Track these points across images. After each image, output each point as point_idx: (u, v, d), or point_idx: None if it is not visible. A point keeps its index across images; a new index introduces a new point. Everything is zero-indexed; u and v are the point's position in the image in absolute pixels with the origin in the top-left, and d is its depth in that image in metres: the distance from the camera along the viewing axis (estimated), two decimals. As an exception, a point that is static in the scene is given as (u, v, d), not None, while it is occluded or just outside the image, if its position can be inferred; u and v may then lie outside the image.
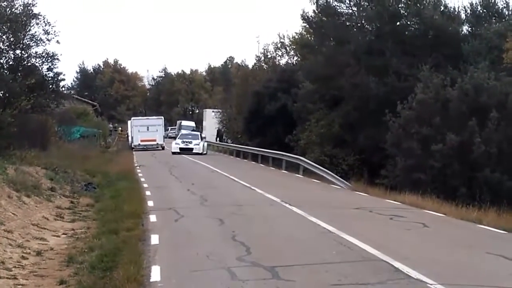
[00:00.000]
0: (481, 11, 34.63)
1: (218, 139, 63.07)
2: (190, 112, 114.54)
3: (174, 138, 78.43)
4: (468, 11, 34.73)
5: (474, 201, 20.39)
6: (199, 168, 33.10)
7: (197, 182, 23.90)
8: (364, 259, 10.16)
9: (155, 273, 9.09)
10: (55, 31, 27.43)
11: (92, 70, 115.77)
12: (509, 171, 23.75)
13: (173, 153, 45.32)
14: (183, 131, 53.11)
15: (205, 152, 46.33)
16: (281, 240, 12.02)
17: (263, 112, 42.52)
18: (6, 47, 27.25)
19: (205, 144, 48.62)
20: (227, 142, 57.87)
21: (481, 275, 9.19)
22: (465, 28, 35.01)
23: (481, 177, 23.47)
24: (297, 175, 29.44)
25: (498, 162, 24.02)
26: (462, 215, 16.24)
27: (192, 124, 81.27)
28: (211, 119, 66.49)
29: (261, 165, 36.20)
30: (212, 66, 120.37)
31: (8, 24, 26.57)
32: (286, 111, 39.93)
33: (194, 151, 45.25)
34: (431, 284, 8.37)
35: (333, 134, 34.23)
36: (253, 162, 38.22)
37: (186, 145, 46.28)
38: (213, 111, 69.03)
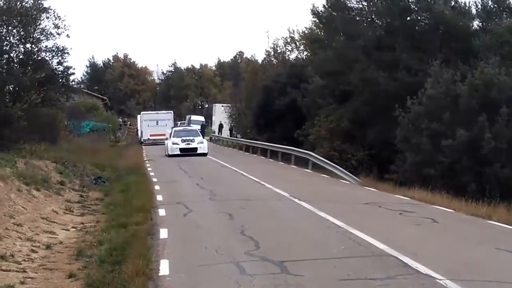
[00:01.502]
0: (491, 6, 34.42)
1: (220, 133, 63.49)
2: (200, 107, 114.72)
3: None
4: (479, 6, 34.49)
5: (484, 196, 20.29)
6: (208, 162, 33.12)
7: (206, 177, 23.92)
8: (372, 254, 10.14)
9: (164, 267, 9.11)
10: (65, 25, 27.58)
11: (102, 64, 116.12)
12: (519, 167, 23.64)
13: (170, 155, 36.43)
14: (176, 128, 42.80)
15: (207, 152, 37.63)
16: (289, 235, 12.01)
17: (273, 107, 42.50)
18: (16, 41, 27.38)
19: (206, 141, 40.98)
20: (236, 137, 57.90)
21: (490, 270, 9.16)
22: (476, 23, 34.83)
23: (490, 172, 23.39)
24: (306, 170, 29.41)
25: (508, 158, 23.91)
26: (472, 211, 16.17)
27: (202, 118, 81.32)
28: (221, 114, 66.54)
29: (270, 160, 36.17)
30: (221, 61, 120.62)
31: (19, 18, 26.68)
32: (296, 106, 39.89)
33: (199, 151, 36.85)
34: (440, 279, 8.35)
35: (343, 129, 34.18)
36: (262, 157, 38.21)
37: (188, 144, 37.19)
38: (222, 106, 69.08)
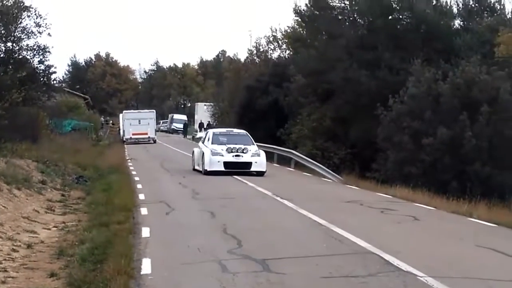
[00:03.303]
0: (473, 5, 34.71)
1: (200, 131, 63.56)
2: (182, 106, 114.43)
3: (166, 131, 79.03)
4: (460, 5, 34.80)
5: (465, 194, 20.43)
6: (191, 161, 33.06)
7: (189, 175, 23.89)
8: (354, 252, 10.18)
9: (146, 266, 9.08)
10: (46, 24, 27.43)
11: (83, 63, 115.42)
12: (500, 165, 23.86)
13: (207, 172, 24.24)
14: (215, 131, 28.31)
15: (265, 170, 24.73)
16: (272, 233, 12.02)
17: (255, 106, 42.47)
18: (-3, 40, 27.20)
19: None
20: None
21: (471, 267, 9.23)
22: (457, 22, 35.09)
23: (471, 171, 23.58)
24: (288, 168, 29.46)
25: (489, 156, 24.13)
26: (453, 209, 16.29)
27: (184, 117, 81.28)
28: (203, 113, 66.44)
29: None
30: (204, 60, 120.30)
31: (0, 17, 26.50)
32: (278, 105, 39.91)
33: (253, 168, 24.43)
34: (421, 277, 8.40)
35: (325, 128, 34.25)
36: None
37: (238, 156, 24.58)
38: (205, 105, 68.98)
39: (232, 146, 24.70)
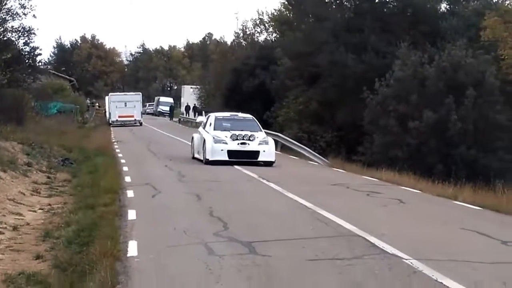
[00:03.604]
0: (459, -11, 34.73)
1: (186, 114, 63.67)
2: (168, 89, 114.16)
3: (152, 114, 78.78)
4: (447, -11, 34.81)
5: (450, 177, 20.59)
6: (177, 144, 33.02)
7: (175, 158, 23.86)
8: (340, 234, 10.22)
9: (132, 248, 9.08)
10: (31, 5, 27.29)
11: (69, 45, 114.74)
12: (485, 148, 24.02)
13: (209, 161, 21.66)
14: (218, 115, 24.70)
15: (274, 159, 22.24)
16: (258, 216, 12.05)
17: (242, 88, 42.46)
18: (-19, 22, 26.98)
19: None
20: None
21: (455, 250, 9.28)
22: (443, 6, 35.18)
23: (457, 154, 23.73)
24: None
25: (474, 139, 24.28)
26: (438, 192, 16.36)
27: (171, 100, 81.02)
28: (189, 96, 66.30)
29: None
30: (190, 42, 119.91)
31: (-17, -2, 26.28)
32: (265, 88, 39.92)
33: (261, 157, 21.96)
34: (406, 259, 8.44)
35: (311, 111, 34.30)
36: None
37: (244, 144, 22.02)
38: (191, 88, 68.83)
39: (237, 132, 22.08)
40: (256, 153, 21.84)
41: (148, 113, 77.13)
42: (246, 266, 8.06)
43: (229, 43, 66.68)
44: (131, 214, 11.88)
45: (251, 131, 22.38)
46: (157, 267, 8.11)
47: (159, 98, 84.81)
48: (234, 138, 21.90)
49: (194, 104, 63.42)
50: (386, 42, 31.13)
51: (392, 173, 20.26)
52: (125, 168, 20.33)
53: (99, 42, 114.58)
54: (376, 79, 27.16)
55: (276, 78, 38.57)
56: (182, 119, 62.72)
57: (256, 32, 56.67)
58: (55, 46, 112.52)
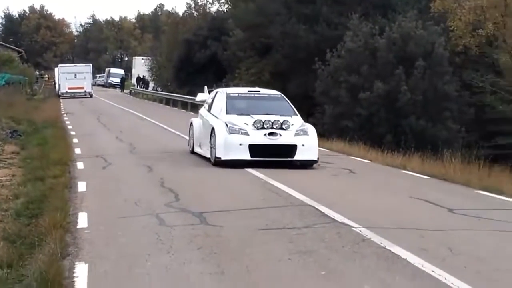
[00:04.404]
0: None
1: (138, 86, 63.32)
2: (119, 60, 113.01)
3: (103, 86, 77.91)
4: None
5: (400, 147, 20.86)
6: (128, 116, 32.77)
7: (126, 130, 23.69)
8: (291, 204, 10.30)
9: (82, 220, 9.01)
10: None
11: (17, 15, 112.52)
12: (434, 118, 24.38)
13: (222, 162, 14.59)
14: (231, 92, 16.99)
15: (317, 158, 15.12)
16: (209, 187, 12.06)
17: (193, 60, 42.25)
18: None
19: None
20: (156, 90, 57.37)
21: (404, 218, 9.44)
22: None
23: (406, 124, 24.04)
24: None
25: (423, 110, 24.61)
26: (388, 161, 16.59)
27: (122, 72, 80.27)
28: (141, 67, 65.76)
29: (191, 113, 36.02)
30: (141, 14, 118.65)
31: None
32: (217, 59, 39.79)
33: (297, 156, 14.75)
34: (355, 228, 8.55)
35: (263, 82, 34.21)
36: (183, 110, 38.02)
37: (273, 136, 14.75)
38: (142, 59, 68.22)
39: (262, 117, 14.97)
40: (292, 148, 14.67)
41: (98, 85, 76.33)
42: (197, 237, 8.08)
43: (180, 14, 66.18)
44: (81, 186, 11.78)
45: (281, 115, 15.29)
46: (107, 238, 8.07)
47: (109, 70, 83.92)
48: (259, 126, 14.82)
49: (143, 76, 63.16)
50: (338, 13, 31.21)
51: (343, 143, 20.46)
52: (75, 140, 20.12)
53: (48, 12, 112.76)
54: (327, 50, 27.26)
55: (228, 49, 38.42)
56: (133, 91, 62.22)
57: (208, 3, 56.29)
58: (3, 16, 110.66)
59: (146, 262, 6.93)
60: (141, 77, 64.24)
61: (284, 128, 14.86)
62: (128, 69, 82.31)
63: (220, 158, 14.60)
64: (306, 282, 6.30)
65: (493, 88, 26.60)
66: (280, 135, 14.74)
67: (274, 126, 14.80)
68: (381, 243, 7.72)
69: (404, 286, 6.32)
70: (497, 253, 7.73)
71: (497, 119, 25.92)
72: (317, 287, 6.19)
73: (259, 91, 17.10)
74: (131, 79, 74.49)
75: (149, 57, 63.92)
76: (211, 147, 15.16)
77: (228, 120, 15.10)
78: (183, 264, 6.88)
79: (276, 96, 16.97)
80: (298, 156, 14.71)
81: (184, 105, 39.11)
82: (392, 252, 7.36)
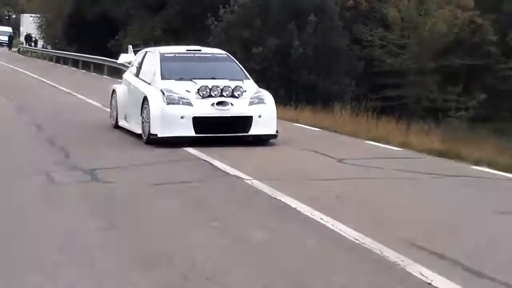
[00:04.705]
0: None
1: (26, 44, 61.76)
2: (7, 18, 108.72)
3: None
4: None
5: (292, 101, 21.19)
6: (16, 73, 31.78)
7: (14, 89, 22.95)
8: (185, 159, 10.36)
9: None
10: None
11: None
12: (324, 73, 24.86)
13: (159, 139, 11.47)
14: (166, 51, 13.51)
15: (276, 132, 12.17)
16: (101, 144, 11.92)
17: (84, 17, 41.18)
18: None
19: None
20: (46, 48, 55.79)
21: (295, 170, 9.66)
22: None
23: (298, 79, 24.41)
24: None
25: (315, 65, 25.03)
26: (280, 115, 16.55)
27: (9, 30, 77.34)
28: (29, 25, 63.63)
29: (82, 71, 35.33)
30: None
31: None
32: (108, 15, 38.91)
33: (252, 131, 11.83)
34: (247, 180, 8.69)
35: (157, 38, 33.85)
36: (74, 68, 37.19)
37: (223, 106, 11.69)
38: (31, 16, 65.95)
39: (208, 83, 12.00)
40: (247, 120, 11.87)
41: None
42: (88, 194, 8.03)
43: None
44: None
45: (231, 80, 12.42)
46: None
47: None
48: (205, 93, 11.83)
49: (29, 34, 61.52)
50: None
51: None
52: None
53: None
54: (220, 6, 27.17)
55: (121, 5, 37.66)
56: (21, 49, 60.36)
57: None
58: None
59: (37, 219, 6.84)
60: (30, 35, 62.30)
61: (236, 95, 11.93)
62: (16, 27, 79.32)
63: (156, 135, 11.56)
64: (198, 233, 6.38)
65: (382, 42, 27.33)
66: (232, 104, 11.76)
67: (224, 94, 11.84)
68: (272, 194, 7.88)
69: (293, 234, 6.49)
70: (382, 197, 8.04)
71: (385, 72, 26.70)
72: (209, 238, 6.28)
73: (200, 50, 13.94)
74: (19, 37, 71.99)
75: (38, 15, 61.87)
76: (142, 122, 12.02)
77: (164, 87, 11.96)
78: (73, 221, 6.82)
79: (222, 55, 13.91)
80: (254, 130, 11.85)
81: (75, 63, 38.20)
82: (282, 201, 7.53)
